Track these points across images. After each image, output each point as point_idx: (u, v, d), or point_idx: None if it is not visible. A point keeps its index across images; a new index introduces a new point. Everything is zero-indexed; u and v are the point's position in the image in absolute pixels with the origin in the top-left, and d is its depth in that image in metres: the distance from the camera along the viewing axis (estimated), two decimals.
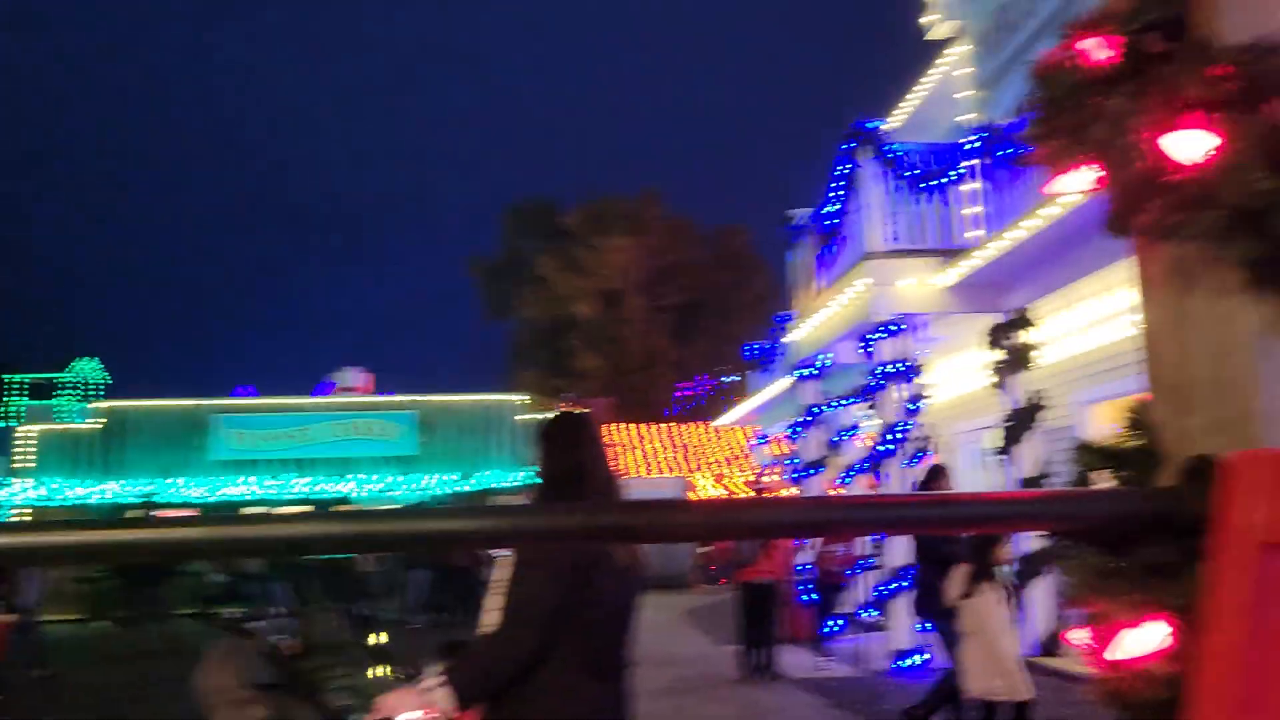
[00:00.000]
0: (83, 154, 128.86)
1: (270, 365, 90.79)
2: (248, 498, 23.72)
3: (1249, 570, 1.00)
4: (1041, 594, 9.19)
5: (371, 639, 6.09)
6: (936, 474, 7.84)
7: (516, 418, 25.70)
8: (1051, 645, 9.11)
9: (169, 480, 23.70)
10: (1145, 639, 1.32)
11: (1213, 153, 1.27)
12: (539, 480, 2.80)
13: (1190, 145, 1.28)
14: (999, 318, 9.69)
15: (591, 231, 36.81)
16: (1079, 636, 1.46)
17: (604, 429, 3.23)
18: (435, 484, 24.46)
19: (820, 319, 11.64)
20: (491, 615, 2.55)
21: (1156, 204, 1.36)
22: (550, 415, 3.00)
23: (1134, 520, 1.44)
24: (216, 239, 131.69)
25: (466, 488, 24.15)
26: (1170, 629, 1.31)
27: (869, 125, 10.10)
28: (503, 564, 2.59)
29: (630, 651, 2.68)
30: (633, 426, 27.84)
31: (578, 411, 2.96)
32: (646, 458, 26.31)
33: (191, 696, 3.35)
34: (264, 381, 30.92)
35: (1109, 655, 1.37)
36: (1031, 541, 8.83)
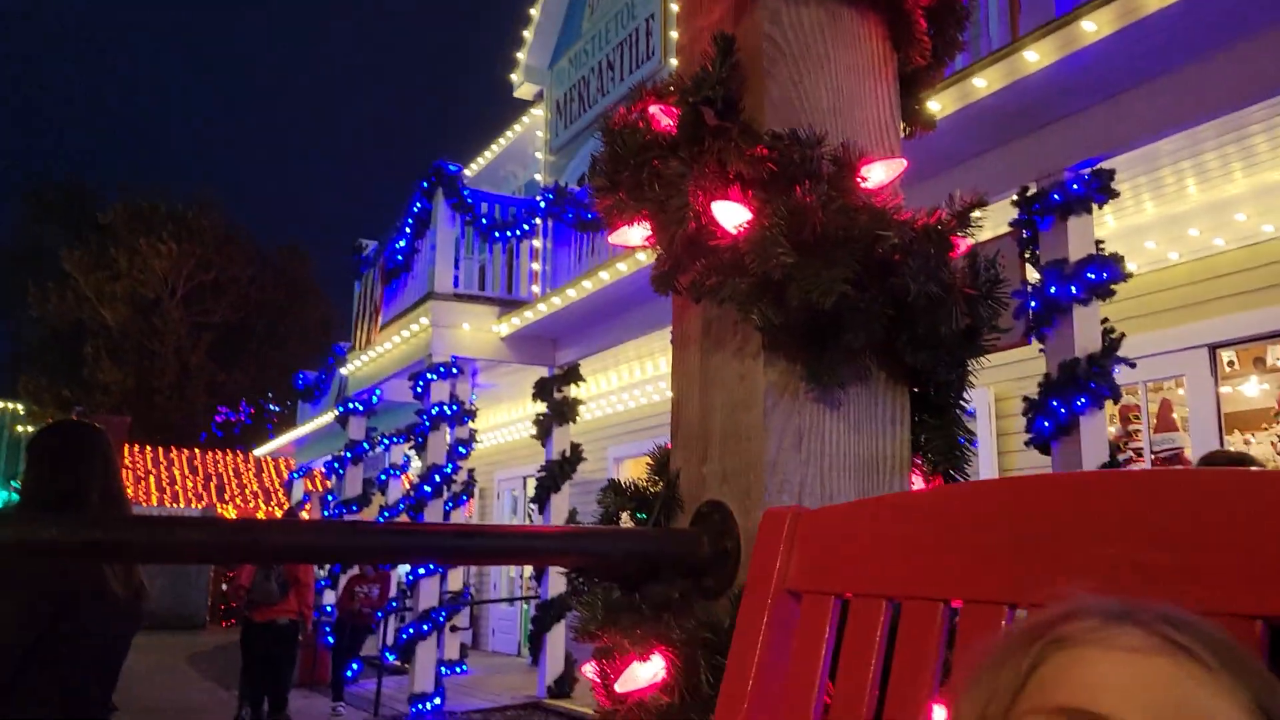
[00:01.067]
0: None
1: None
2: None
3: (771, 613, 1.14)
4: (555, 637, 9.60)
5: None
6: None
7: (15, 428, 22.27)
8: (563, 688, 9.55)
9: None
10: (650, 672, 1.39)
11: (745, 225, 1.40)
12: (22, 500, 2.40)
13: (731, 215, 1.40)
14: (548, 371, 10.14)
15: (132, 231, 33.21)
16: (591, 670, 1.50)
17: (118, 449, 2.81)
18: None
19: (377, 353, 11.42)
20: None
21: (698, 265, 1.47)
22: (48, 426, 2.58)
23: (650, 559, 1.52)
24: None
25: None
26: (665, 662, 1.39)
27: (448, 168, 10.18)
28: None
29: (112, 697, 2.36)
30: (155, 450, 25.28)
31: (83, 424, 2.57)
32: (167, 485, 23.96)
33: None
34: None
35: (618, 688, 1.43)
36: (553, 585, 9.24)
